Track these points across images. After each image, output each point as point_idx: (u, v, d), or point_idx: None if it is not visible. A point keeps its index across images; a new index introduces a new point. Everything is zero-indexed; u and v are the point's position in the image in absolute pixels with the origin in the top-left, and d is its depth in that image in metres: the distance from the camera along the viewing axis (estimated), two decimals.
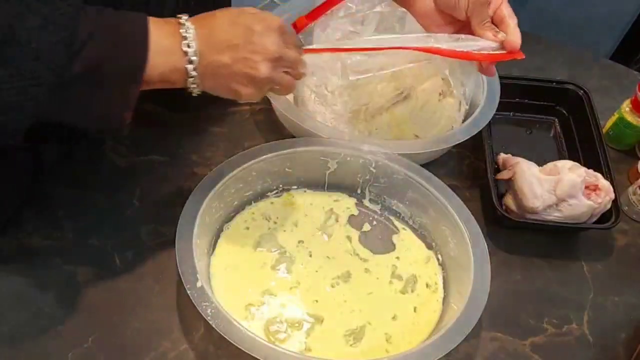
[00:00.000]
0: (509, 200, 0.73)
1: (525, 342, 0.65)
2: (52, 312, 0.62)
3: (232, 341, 0.52)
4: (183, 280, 0.56)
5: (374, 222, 0.72)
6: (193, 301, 0.54)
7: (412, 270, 0.68)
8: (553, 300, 0.69)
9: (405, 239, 0.71)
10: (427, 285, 0.66)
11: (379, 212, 0.73)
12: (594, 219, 0.73)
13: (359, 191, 0.73)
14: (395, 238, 0.71)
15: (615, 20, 1.44)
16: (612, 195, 0.71)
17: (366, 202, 0.73)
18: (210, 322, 0.53)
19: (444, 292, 0.66)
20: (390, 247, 0.70)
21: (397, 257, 0.69)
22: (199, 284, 0.56)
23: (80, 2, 0.45)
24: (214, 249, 0.66)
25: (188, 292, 0.55)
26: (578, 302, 0.69)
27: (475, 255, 0.62)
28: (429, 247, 0.70)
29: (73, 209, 0.69)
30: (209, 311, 0.54)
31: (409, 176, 0.69)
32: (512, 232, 0.74)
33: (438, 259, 0.69)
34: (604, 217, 0.72)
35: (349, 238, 0.70)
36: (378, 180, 0.71)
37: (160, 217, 0.70)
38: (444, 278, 0.67)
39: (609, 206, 0.72)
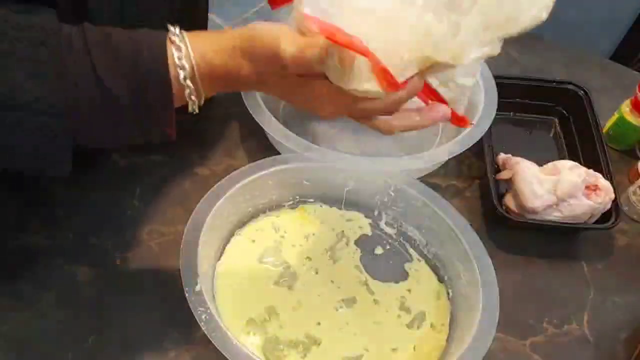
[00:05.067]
0: (509, 200, 0.73)
1: (525, 342, 0.65)
2: (52, 312, 0.62)
3: (222, 352, 0.52)
4: (183, 283, 0.55)
5: (387, 246, 0.71)
6: (190, 304, 0.54)
7: (421, 307, 0.65)
8: (553, 300, 0.69)
9: (419, 269, 0.69)
10: (431, 326, 0.64)
11: (394, 237, 0.71)
12: (594, 219, 0.73)
13: (375, 212, 0.72)
14: (407, 266, 0.69)
15: (615, 20, 1.44)
16: (612, 195, 0.71)
17: (382, 225, 0.72)
18: (203, 328, 0.53)
19: (450, 330, 0.64)
20: (401, 275, 0.68)
21: (409, 290, 0.67)
22: (197, 288, 0.55)
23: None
24: (220, 256, 0.66)
25: (186, 294, 0.55)
26: (578, 302, 0.69)
27: (484, 297, 0.60)
28: (441, 280, 0.68)
29: (73, 209, 0.69)
30: (203, 317, 0.54)
31: (426, 204, 0.67)
32: (512, 232, 0.74)
33: (448, 294, 0.67)
34: (604, 217, 0.72)
35: (357, 268, 0.68)
36: (396, 204, 0.70)
37: (160, 217, 0.70)
38: (451, 314, 0.65)
39: (609, 206, 0.72)
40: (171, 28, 0.46)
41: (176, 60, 0.45)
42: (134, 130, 0.48)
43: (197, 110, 0.49)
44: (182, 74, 0.46)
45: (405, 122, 0.50)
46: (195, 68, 0.46)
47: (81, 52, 0.43)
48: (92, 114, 0.45)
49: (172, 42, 0.46)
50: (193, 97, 0.47)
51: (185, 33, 0.47)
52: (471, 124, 0.54)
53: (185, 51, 0.46)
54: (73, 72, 0.43)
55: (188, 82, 0.46)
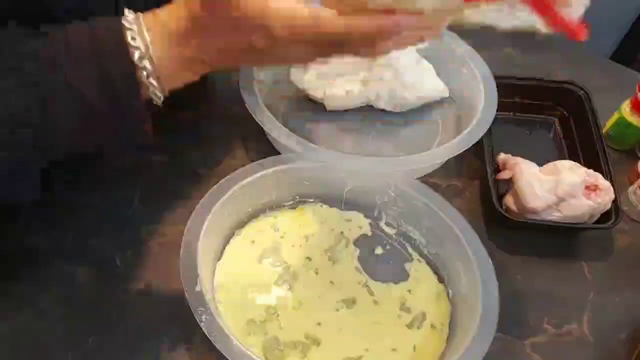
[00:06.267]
0: (509, 200, 0.73)
1: (525, 342, 0.65)
2: (52, 312, 0.62)
3: (222, 352, 0.52)
4: (183, 283, 0.55)
5: (387, 247, 0.71)
6: (190, 304, 0.54)
7: (422, 307, 0.65)
8: (553, 300, 0.69)
9: (419, 269, 0.69)
10: (432, 326, 0.64)
11: (394, 237, 0.71)
12: (594, 219, 0.73)
13: (375, 212, 0.72)
14: (407, 266, 0.69)
15: (615, 20, 1.44)
16: (612, 195, 0.71)
17: (382, 225, 0.72)
18: (203, 328, 0.53)
19: (450, 330, 0.64)
20: (401, 275, 0.68)
21: (409, 290, 0.67)
22: (197, 288, 0.55)
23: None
24: (220, 256, 0.66)
25: (186, 294, 0.55)
26: (578, 302, 0.69)
27: (484, 297, 0.60)
28: (441, 280, 0.68)
29: (73, 209, 0.69)
30: (203, 317, 0.54)
31: (426, 204, 0.67)
32: (512, 232, 0.74)
33: (448, 294, 0.67)
34: (604, 217, 0.72)
35: (357, 268, 0.68)
36: (396, 204, 0.70)
37: (160, 217, 0.70)
38: (451, 315, 0.65)
39: (609, 206, 0.72)
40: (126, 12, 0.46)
41: (130, 40, 0.45)
42: (106, 129, 0.48)
43: (160, 98, 0.49)
44: (137, 54, 0.45)
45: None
46: (150, 48, 0.46)
47: (46, 59, 0.44)
48: (59, 114, 0.45)
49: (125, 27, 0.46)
50: (152, 80, 0.47)
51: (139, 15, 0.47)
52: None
53: (139, 31, 0.46)
54: (37, 76, 0.44)
55: (145, 62, 0.46)
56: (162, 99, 0.49)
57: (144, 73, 0.46)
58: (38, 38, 0.45)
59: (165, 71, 0.47)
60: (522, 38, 0.65)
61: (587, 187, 0.71)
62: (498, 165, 0.77)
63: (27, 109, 0.44)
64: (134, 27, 0.46)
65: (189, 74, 0.50)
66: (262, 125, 0.71)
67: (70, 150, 0.49)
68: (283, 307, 0.63)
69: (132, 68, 0.45)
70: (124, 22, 0.46)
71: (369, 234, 0.72)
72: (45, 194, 0.50)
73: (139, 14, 0.47)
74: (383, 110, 0.83)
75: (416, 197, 0.68)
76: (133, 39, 0.45)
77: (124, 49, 0.45)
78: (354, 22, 0.43)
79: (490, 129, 0.75)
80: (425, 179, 0.75)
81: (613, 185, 0.72)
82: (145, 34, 0.46)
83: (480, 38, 0.81)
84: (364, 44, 0.46)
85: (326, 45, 0.46)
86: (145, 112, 0.48)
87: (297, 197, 0.72)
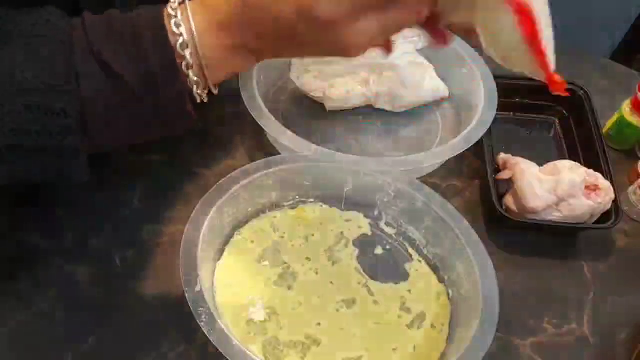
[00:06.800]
0: (509, 200, 0.73)
1: (525, 342, 0.65)
2: (52, 312, 0.62)
3: (222, 352, 0.52)
4: (183, 283, 0.55)
5: (387, 247, 0.71)
6: (190, 304, 0.54)
7: (422, 307, 0.65)
8: (553, 300, 0.69)
9: (419, 269, 0.69)
10: (432, 326, 0.64)
11: (394, 237, 0.71)
12: (594, 219, 0.73)
13: (375, 212, 0.72)
14: (407, 266, 0.69)
15: (615, 20, 1.44)
16: (612, 195, 0.71)
17: (382, 225, 0.72)
18: (203, 328, 0.53)
19: (450, 330, 0.64)
20: (401, 275, 0.68)
21: (409, 290, 0.67)
22: (197, 288, 0.55)
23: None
24: (220, 256, 0.66)
25: (186, 294, 0.55)
26: (578, 302, 0.69)
27: (484, 297, 0.60)
28: (441, 280, 0.68)
29: (73, 209, 0.69)
30: (203, 317, 0.54)
31: (426, 204, 0.67)
32: (512, 232, 0.74)
33: (448, 294, 0.66)
34: (604, 217, 0.72)
35: (357, 268, 0.68)
36: (396, 204, 0.70)
37: (160, 217, 0.70)
38: (451, 315, 0.65)
39: (609, 206, 0.72)
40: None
41: (173, 28, 0.44)
42: (149, 116, 0.46)
43: (203, 94, 0.47)
44: (179, 42, 0.44)
45: None
46: (195, 36, 0.44)
47: (85, 43, 0.43)
48: (102, 105, 0.44)
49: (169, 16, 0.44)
50: (194, 72, 0.45)
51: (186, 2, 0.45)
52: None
53: (184, 21, 0.44)
54: (80, 66, 0.43)
55: (186, 52, 0.44)
56: (206, 92, 0.47)
57: (184, 63, 0.44)
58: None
59: (212, 60, 0.46)
60: None
61: (587, 187, 0.71)
62: (498, 165, 0.77)
63: (62, 77, 0.42)
64: (178, 14, 0.44)
65: (238, 62, 0.48)
66: (262, 125, 0.71)
67: (111, 134, 0.47)
68: (283, 307, 0.63)
69: (172, 55, 0.44)
70: (168, 8, 0.44)
71: (369, 234, 0.72)
72: (44, 191, 0.50)
73: (187, 0, 0.45)
74: (383, 110, 0.83)
75: (416, 197, 0.68)
76: (177, 25, 0.44)
77: (163, 35, 0.44)
78: None
79: (490, 129, 0.75)
80: (425, 179, 0.75)
81: (613, 185, 0.72)
82: (192, 20, 0.44)
83: None
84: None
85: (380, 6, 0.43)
86: (184, 100, 0.46)
87: (297, 197, 0.71)
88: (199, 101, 0.48)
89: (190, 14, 0.44)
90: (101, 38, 0.43)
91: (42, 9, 0.44)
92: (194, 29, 0.44)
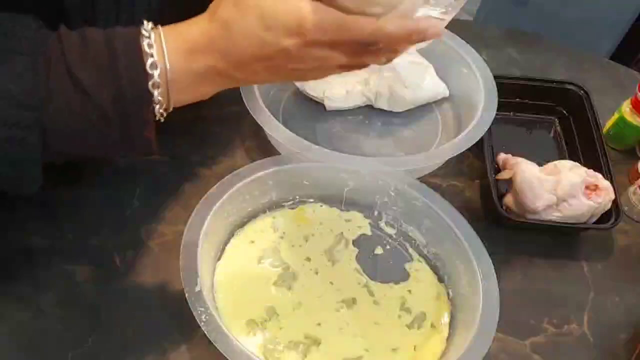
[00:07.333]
0: (509, 200, 0.73)
1: (525, 342, 0.65)
2: (52, 312, 0.62)
3: (222, 352, 0.52)
4: (183, 283, 0.55)
5: (387, 247, 0.71)
6: (190, 304, 0.54)
7: (422, 307, 0.65)
8: (553, 300, 0.69)
9: (419, 269, 0.69)
10: (432, 325, 0.64)
11: (394, 237, 0.71)
12: (594, 219, 0.73)
13: (375, 212, 0.72)
14: (407, 266, 0.69)
15: (615, 20, 1.44)
16: (612, 195, 0.71)
17: (382, 225, 0.72)
18: (203, 328, 0.53)
19: (450, 330, 0.64)
20: (401, 275, 0.68)
21: (409, 290, 0.67)
22: (197, 288, 0.55)
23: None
24: (220, 256, 0.66)
25: (186, 294, 0.55)
26: (578, 302, 0.69)
27: (484, 297, 0.60)
28: (441, 280, 0.68)
29: (73, 209, 0.69)
30: (203, 317, 0.54)
31: (426, 204, 0.67)
32: (512, 232, 0.74)
33: (448, 294, 0.66)
34: (604, 217, 0.72)
35: (357, 268, 0.68)
36: (396, 204, 0.70)
37: (160, 217, 0.70)
38: (451, 315, 0.65)
39: (609, 206, 0.72)
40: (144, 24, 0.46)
41: (146, 48, 0.45)
42: (113, 138, 0.47)
43: (162, 114, 0.48)
44: (149, 62, 0.45)
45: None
46: (166, 58, 0.45)
47: (59, 62, 0.44)
48: (67, 121, 0.45)
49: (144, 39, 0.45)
50: (158, 91, 0.46)
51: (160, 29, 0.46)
52: None
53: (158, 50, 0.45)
54: (51, 80, 0.43)
55: (155, 72, 0.45)
56: (165, 113, 0.48)
57: (150, 82, 0.45)
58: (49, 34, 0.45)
59: (179, 84, 0.47)
60: (522, 38, 0.65)
61: (587, 187, 0.71)
62: (498, 165, 0.77)
63: (30, 93, 0.43)
64: (152, 36, 0.45)
65: (205, 88, 0.49)
66: (262, 125, 0.71)
67: (71, 150, 0.48)
68: (283, 307, 0.63)
69: (145, 85, 0.45)
70: (142, 29, 0.45)
71: (369, 234, 0.72)
72: (43, 191, 0.50)
73: (159, 25, 0.46)
74: (383, 110, 0.83)
75: (416, 197, 0.68)
76: (150, 46, 0.45)
77: (139, 63, 0.45)
78: (382, 24, 0.45)
79: (490, 129, 0.75)
80: (425, 179, 0.75)
81: (613, 185, 0.72)
82: (164, 43, 0.45)
83: (481, 38, 0.81)
84: (390, 47, 0.48)
85: (357, 47, 0.47)
86: (149, 122, 0.47)
87: (297, 197, 0.71)
88: (157, 119, 0.48)
89: (162, 37, 0.46)
90: (76, 57, 0.44)
91: (24, 18, 0.45)
92: (165, 51, 0.45)
